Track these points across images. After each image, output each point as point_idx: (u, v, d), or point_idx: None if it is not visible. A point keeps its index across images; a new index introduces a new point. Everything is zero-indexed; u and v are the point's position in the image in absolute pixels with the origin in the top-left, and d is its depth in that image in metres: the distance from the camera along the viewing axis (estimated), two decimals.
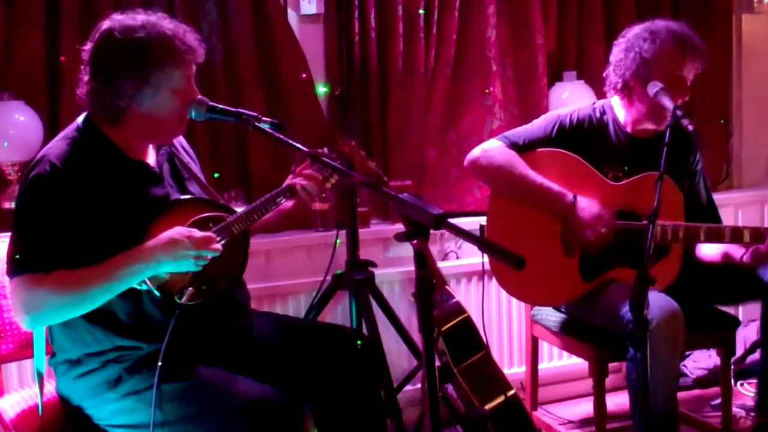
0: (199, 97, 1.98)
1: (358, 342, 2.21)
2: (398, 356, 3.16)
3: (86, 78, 2.02)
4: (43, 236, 1.90)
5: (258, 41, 3.15)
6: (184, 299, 1.94)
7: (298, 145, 1.90)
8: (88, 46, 2.03)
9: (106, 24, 2.03)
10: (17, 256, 1.90)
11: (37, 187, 1.93)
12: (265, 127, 1.95)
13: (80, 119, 2.07)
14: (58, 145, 2.00)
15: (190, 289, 1.95)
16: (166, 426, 1.96)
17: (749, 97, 4.03)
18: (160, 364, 1.89)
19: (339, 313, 3.21)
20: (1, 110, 2.77)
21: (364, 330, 2.90)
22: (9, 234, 2.38)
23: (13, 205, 2.80)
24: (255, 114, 1.96)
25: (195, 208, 2.06)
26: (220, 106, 1.99)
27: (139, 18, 2.01)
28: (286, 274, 3.16)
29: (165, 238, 1.92)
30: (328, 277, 3.03)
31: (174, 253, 1.91)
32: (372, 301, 3.01)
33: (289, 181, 2.20)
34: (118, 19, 2.02)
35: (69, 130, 2.05)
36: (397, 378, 3.09)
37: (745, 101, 4.03)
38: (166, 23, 2.01)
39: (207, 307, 2.04)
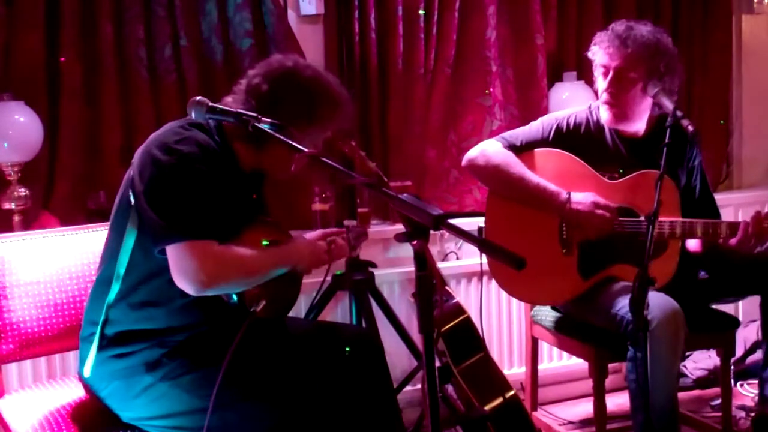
0: (199, 97, 1.98)
1: (347, 348, 2.24)
2: (398, 356, 3.15)
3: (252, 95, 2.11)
4: (207, 207, 1.96)
5: (258, 41, 3.15)
6: (259, 308, 2.04)
7: (298, 146, 1.90)
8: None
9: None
10: (186, 221, 1.92)
11: (193, 161, 1.97)
12: (265, 127, 1.95)
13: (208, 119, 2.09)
14: (199, 134, 2.04)
15: (264, 302, 2.05)
16: (197, 413, 1.97)
17: (749, 98, 4.03)
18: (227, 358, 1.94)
19: (339, 313, 3.21)
20: (1, 110, 2.77)
21: None
22: (9, 234, 2.41)
23: (12, 206, 2.80)
24: (255, 114, 1.96)
25: (270, 229, 2.19)
26: (220, 106, 1.99)
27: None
28: None
29: (313, 248, 2.21)
30: (328, 278, 3.03)
31: (314, 261, 2.19)
32: (372, 301, 3.01)
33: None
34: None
35: (201, 123, 2.08)
36: (397, 378, 3.09)
37: (745, 101, 4.03)
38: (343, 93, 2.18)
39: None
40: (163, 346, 2.06)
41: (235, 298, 2.04)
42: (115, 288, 2.08)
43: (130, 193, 2.03)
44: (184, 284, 1.93)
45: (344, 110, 2.18)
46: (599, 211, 2.63)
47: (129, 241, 2.05)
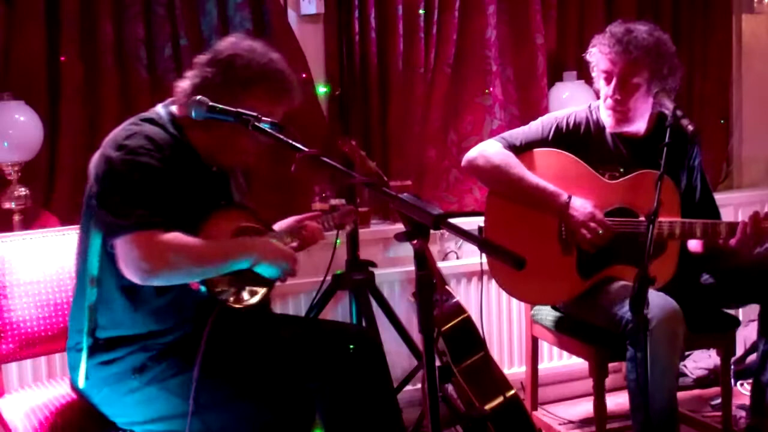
0: (200, 96, 1.98)
1: (351, 346, 2.23)
2: (398, 356, 3.15)
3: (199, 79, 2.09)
4: (154, 198, 1.95)
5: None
6: (227, 299, 2.03)
7: (298, 145, 1.90)
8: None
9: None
10: (132, 213, 1.92)
11: (141, 154, 1.97)
12: (265, 126, 1.95)
13: (162, 112, 2.10)
14: (149, 128, 2.05)
15: (232, 290, 2.04)
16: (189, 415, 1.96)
17: (749, 97, 4.03)
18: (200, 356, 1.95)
19: (339, 313, 3.21)
20: (1, 110, 2.77)
21: None
22: (9, 234, 2.41)
23: (12, 205, 2.80)
24: (255, 114, 1.96)
25: (244, 216, 2.18)
26: (220, 105, 1.99)
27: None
28: None
29: (277, 244, 2.13)
30: (328, 278, 3.03)
31: (278, 259, 2.08)
32: (372, 301, 3.01)
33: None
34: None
35: (152, 117, 2.09)
36: (397, 378, 3.09)
37: (745, 101, 4.03)
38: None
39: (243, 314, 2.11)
40: (147, 350, 2.05)
41: (203, 289, 2.02)
42: (93, 294, 2.07)
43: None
44: (130, 274, 1.93)
45: (283, 80, 2.14)
46: (593, 224, 2.63)
47: (95, 244, 2.05)
